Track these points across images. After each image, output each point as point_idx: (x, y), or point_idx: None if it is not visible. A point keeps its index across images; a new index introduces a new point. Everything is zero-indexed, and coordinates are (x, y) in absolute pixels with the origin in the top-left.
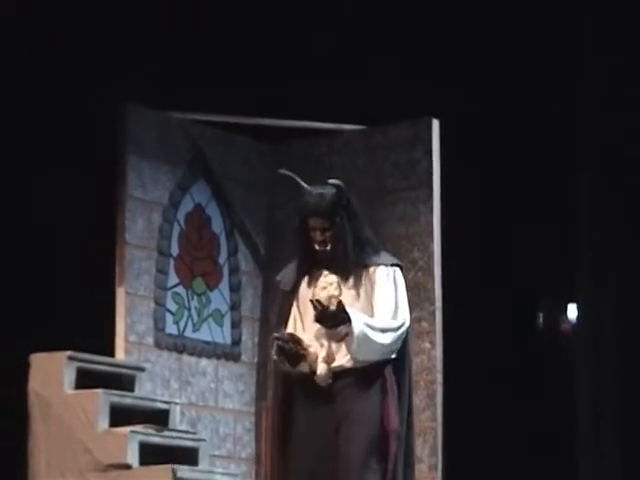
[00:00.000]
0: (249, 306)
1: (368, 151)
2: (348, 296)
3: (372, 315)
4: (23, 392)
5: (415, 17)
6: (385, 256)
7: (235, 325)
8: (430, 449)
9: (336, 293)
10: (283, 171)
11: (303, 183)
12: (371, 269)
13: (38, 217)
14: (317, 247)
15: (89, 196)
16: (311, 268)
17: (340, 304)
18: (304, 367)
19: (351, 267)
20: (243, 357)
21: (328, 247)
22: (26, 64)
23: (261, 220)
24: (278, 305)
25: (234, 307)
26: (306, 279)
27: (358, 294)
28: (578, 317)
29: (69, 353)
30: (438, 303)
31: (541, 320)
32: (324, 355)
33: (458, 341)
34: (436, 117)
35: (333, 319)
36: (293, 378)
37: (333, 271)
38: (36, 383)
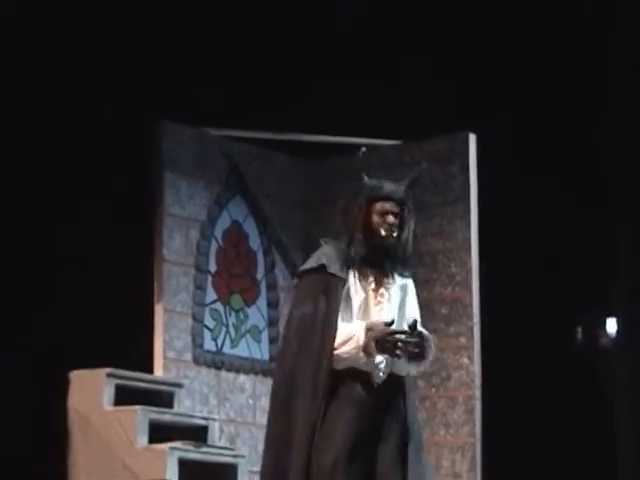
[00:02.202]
0: None
1: (404, 166)
2: (391, 297)
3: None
4: (62, 409)
5: (450, 32)
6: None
7: (273, 341)
8: (469, 464)
9: (388, 295)
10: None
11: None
12: (404, 279)
13: (76, 235)
14: (384, 232)
15: (127, 213)
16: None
17: (414, 324)
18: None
19: (408, 262)
20: None
21: (395, 234)
22: (62, 82)
23: (298, 236)
24: (326, 291)
25: (272, 323)
26: (356, 272)
27: (394, 298)
28: (617, 331)
29: (108, 370)
30: (476, 318)
31: (580, 335)
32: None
33: (496, 356)
34: (473, 132)
35: (419, 346)
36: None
37: (380, 267)
38: (75, 400)
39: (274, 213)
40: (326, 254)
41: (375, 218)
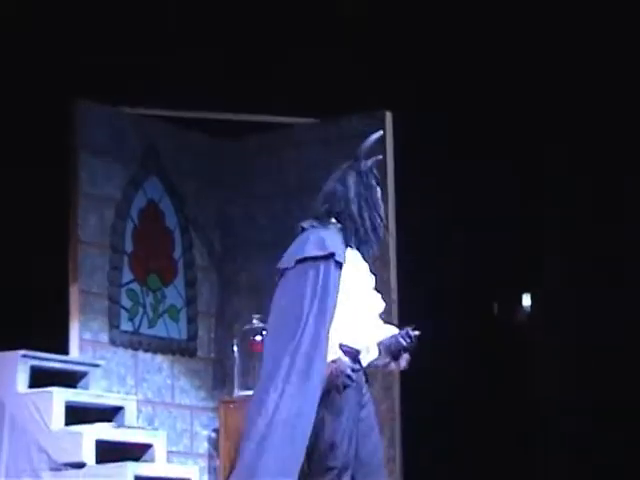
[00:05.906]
0: (205, 301)
1: (321, 144)
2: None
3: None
4: None
5: (366, 9)
6: None
7: (191, 321)
8: (388, 441)
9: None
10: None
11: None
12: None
13: None
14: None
15: (41, 193)
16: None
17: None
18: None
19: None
20: (199, 353)
21: None
22: None
23: (215, 215)
24: (327, 280)
25: (190, 302)
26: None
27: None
28: (532, 306)
29: (23, 352)
30: (394, 294)
31: (496, 310)
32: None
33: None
34: (389, 110)
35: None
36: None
37: (364, 249)
38: None
39: (191, 192)
40: (329, 239)
41: (378, 202)
